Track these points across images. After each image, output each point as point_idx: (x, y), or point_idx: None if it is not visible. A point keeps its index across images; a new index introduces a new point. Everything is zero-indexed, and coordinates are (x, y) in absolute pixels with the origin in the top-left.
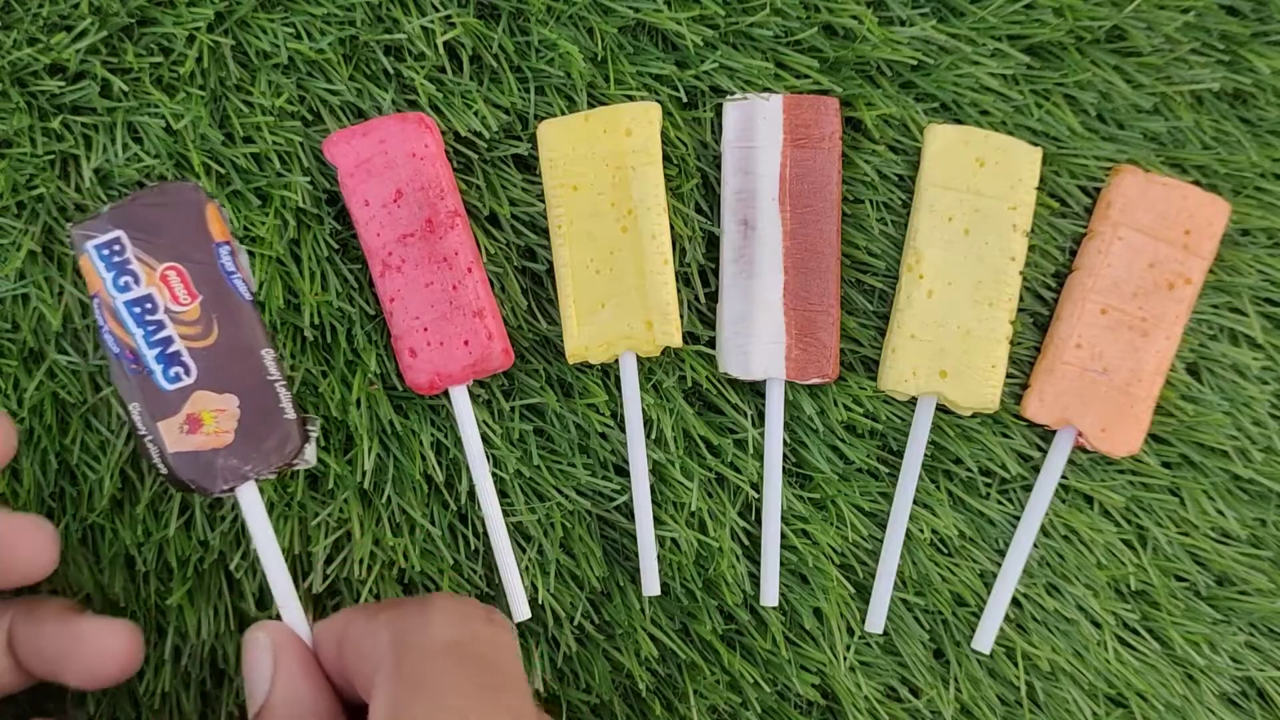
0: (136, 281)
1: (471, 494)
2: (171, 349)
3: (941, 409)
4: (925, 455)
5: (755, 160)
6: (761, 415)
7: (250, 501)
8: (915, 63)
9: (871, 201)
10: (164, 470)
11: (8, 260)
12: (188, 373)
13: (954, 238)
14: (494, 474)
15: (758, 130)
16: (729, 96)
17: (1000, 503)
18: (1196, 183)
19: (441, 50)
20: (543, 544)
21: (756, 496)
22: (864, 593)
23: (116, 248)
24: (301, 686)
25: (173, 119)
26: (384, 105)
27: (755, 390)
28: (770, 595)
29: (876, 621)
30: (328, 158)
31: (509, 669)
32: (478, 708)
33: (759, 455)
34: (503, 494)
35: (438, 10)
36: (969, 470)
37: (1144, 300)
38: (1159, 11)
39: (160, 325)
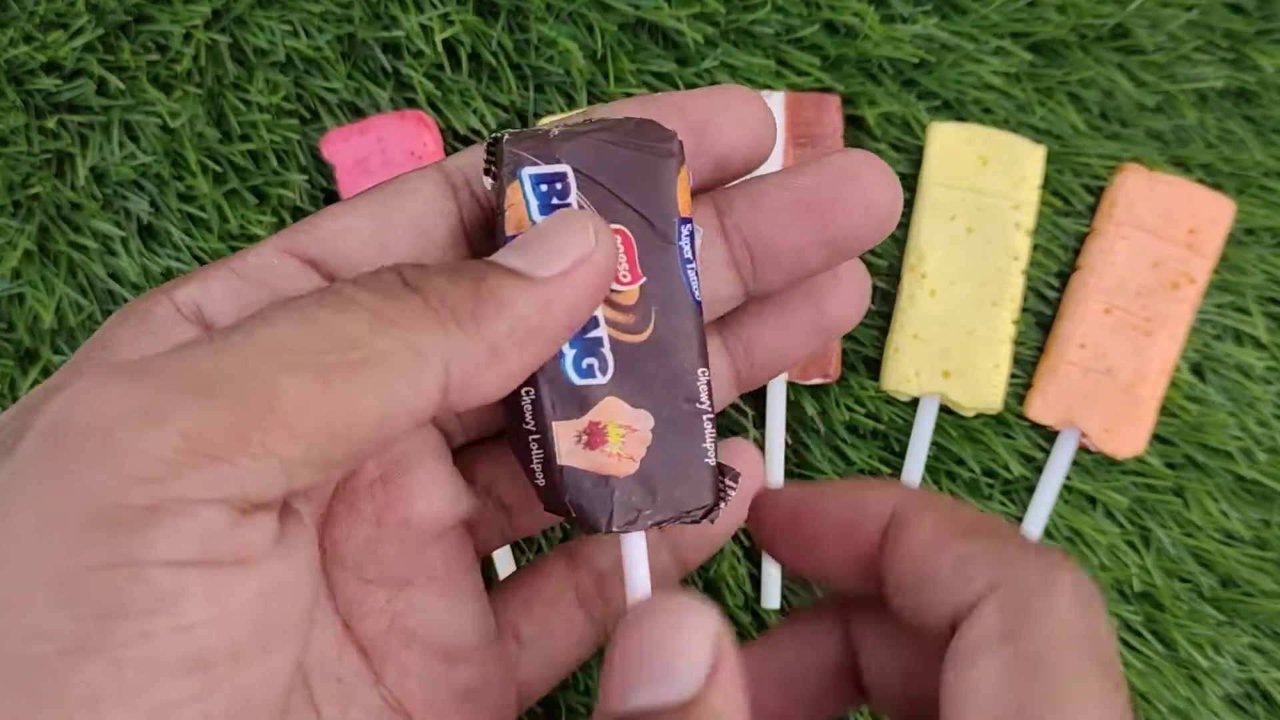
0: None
1: None
2: (592, 333)
3: (944, 409)
4: (928, 456)
5: None
6: (763, 416)
7: (636, 553)
8: (917, 60)
9: None
10: (542, 481)
11: (3, 259)
12: (603, 369)
13: (957, 237)
14: None
15: None
16: None
17: (1003, 504)
18: (1201, 181)
19: (440, 48)
20: (542, 545)
21: None
22: None
23: (559, 186)
24: (743, 701)
25: (169, 117)
26: (382, 103)
27: (756, 391)
28: (772, 598)
29: None
30: (325, 156)
31: (1118, 661)
32: (1109, 715)
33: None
34: None
35: (436, 8)
36: (972, 471)
37: (1148, 300)
38: (1163, 9)
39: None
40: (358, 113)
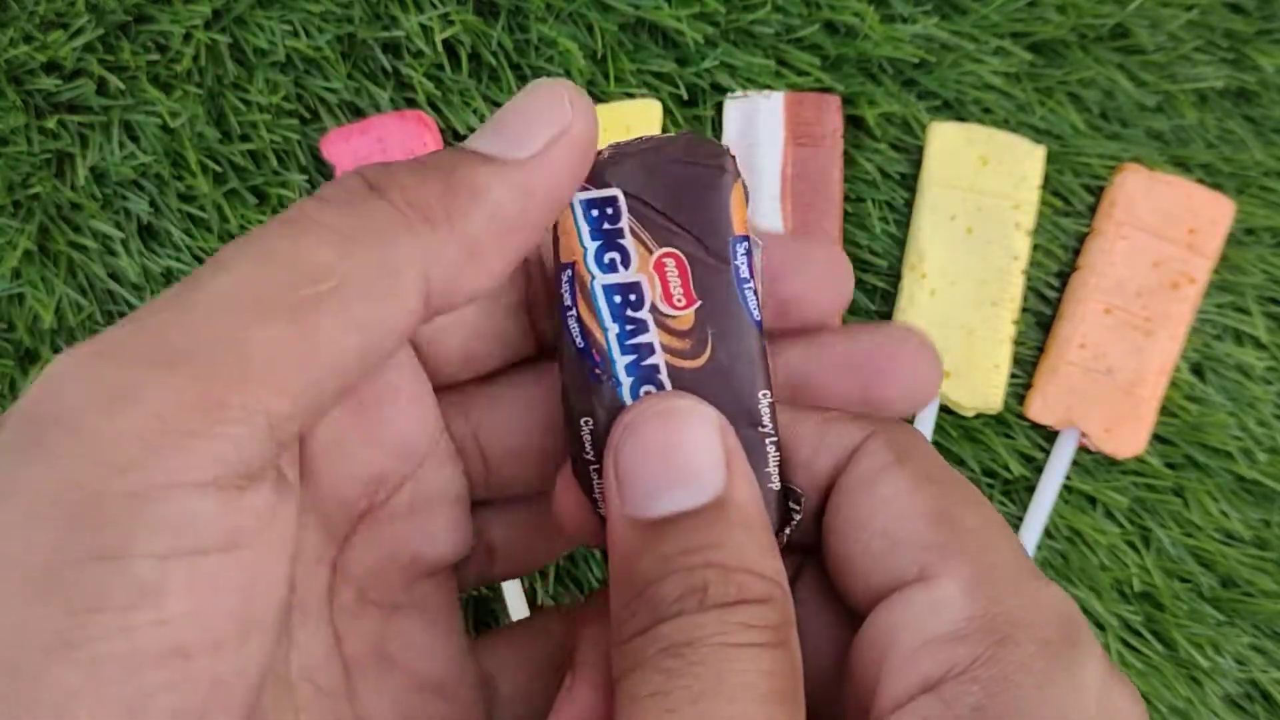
0: (625, 262)
1: None
2: (648, 360)
3: (944, 409)
4: None
5: (756, 158)
6: None
7: None
8: (918, 60)
9: (873, 200)
10: (604, 511)
11: (3, 259)
12: None
13: (957, 237)
14: None
15: (759, 128)
16: (730, 94)
17: (1003, 504)
18: (1201, 181)
19: (440, 48)
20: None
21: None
22: None
23: (609, 211)
24: (759, 494)
25: (169, 117)
26: (382, 103)
27: None
28: None
29: None
30: (325, 156)
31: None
32: (1004, 526)
33: None
34: None
35: (436, 7)
36: (971, 471)
37: (1148, 300)
38: (1163, 9)
39: (642, 326)
40: (358, 113)
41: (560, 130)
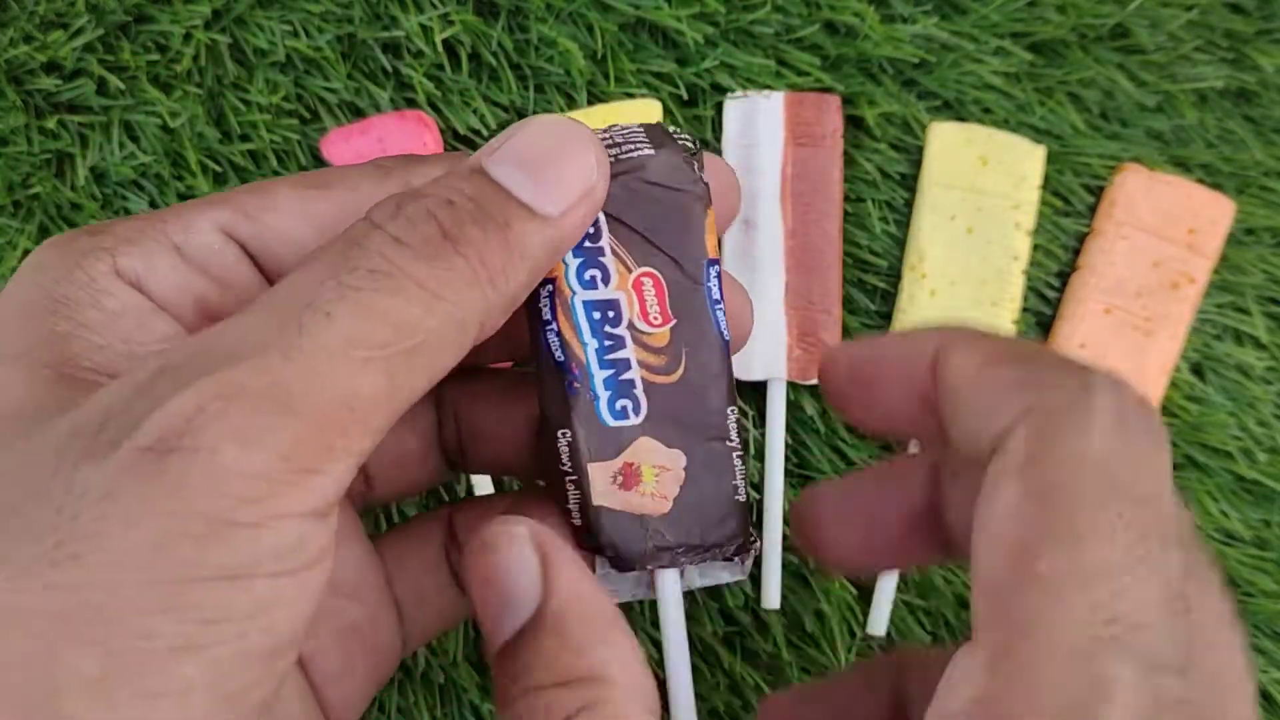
0: (605, 280)
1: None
2: (625, 375)
3: None
4: None
5: (756, 158)
6: (763, 416)
7: (670, 591)
8: (917, 60)
9: (873, 200)
10: (578, 522)
11: (3, 260)
12: (636, 410)
13: (957, 237)
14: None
15: (759, 128)
16: (730, 94)
17: None
18: (1201, 181)
19: (440, 48)
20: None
21: (757, 498)
22: (866, 595)
23: (591, 230)
24: (587, 587)
25: (169, 117)
26: (382, 103)
27: (756, 391)
28: (772, 598)
29: (879, 624)
30: (325, 156)
31: (1167, 496)
32: (1126, 557)
33: (760, 456)
34: None
35: (436, 7)
36: None
37: (1148, 300)
38: (1163, 9)
39: (620, 342)
40: (358, 113)
41: (587, 190)
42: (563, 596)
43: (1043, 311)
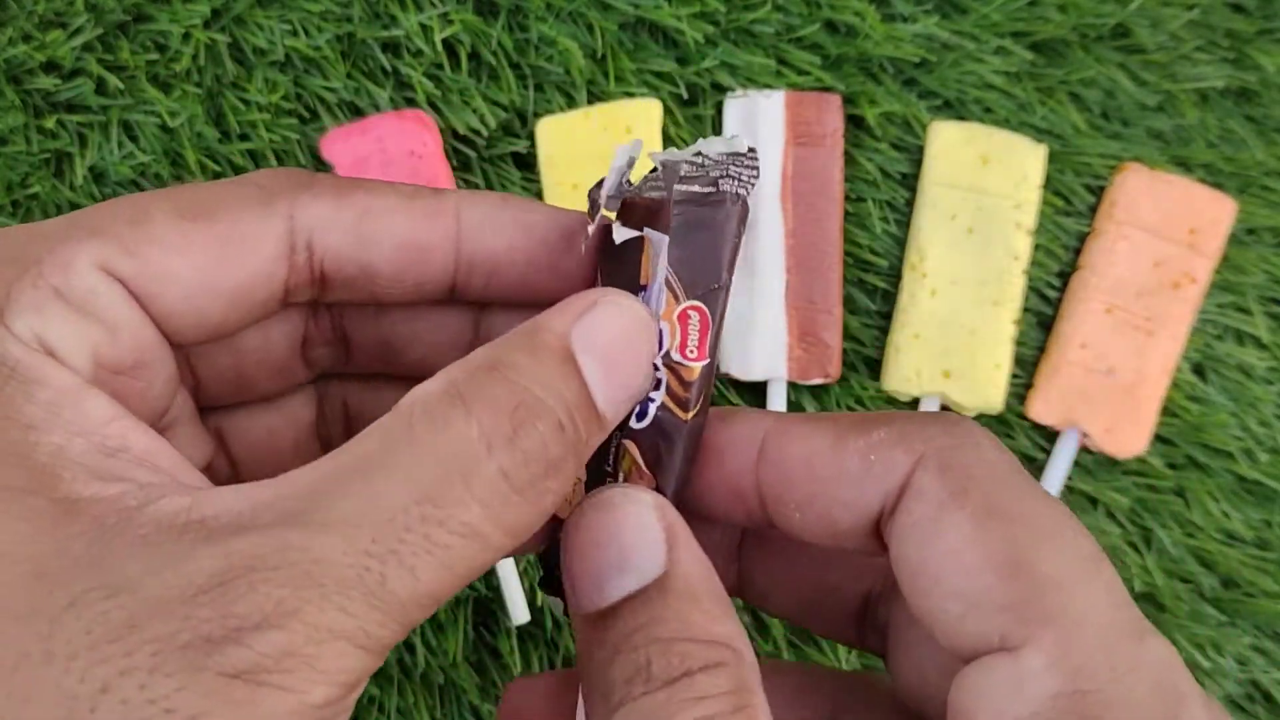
0: (658, 306)
1: None
2: (652, 401)
3: (945, 409)
4: None
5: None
6: None
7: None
8: (918, 60)
9: (874, 200)
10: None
11: None
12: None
13: (957, 236)
14: None
15: (759, 128)
16: (730, 94)
17: None
18: (1202, 181)
19: (440, 47)
20: None
21: None
22: None
23: (659, 259)
24: (708, 565)
25: (168, 116)
26: (381, 103)
27: (757, 391)
28: None
29: None
30: (325, 156)
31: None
32: (1077, 527)
33: None
34: None
35: (435, 7)
36: None
37: (1149, 300)
38: (1164, 9)
39: (655, 371)
40: (357, 112)
41: (639, 393)
42: (691, 568)
43: (1043, 311)
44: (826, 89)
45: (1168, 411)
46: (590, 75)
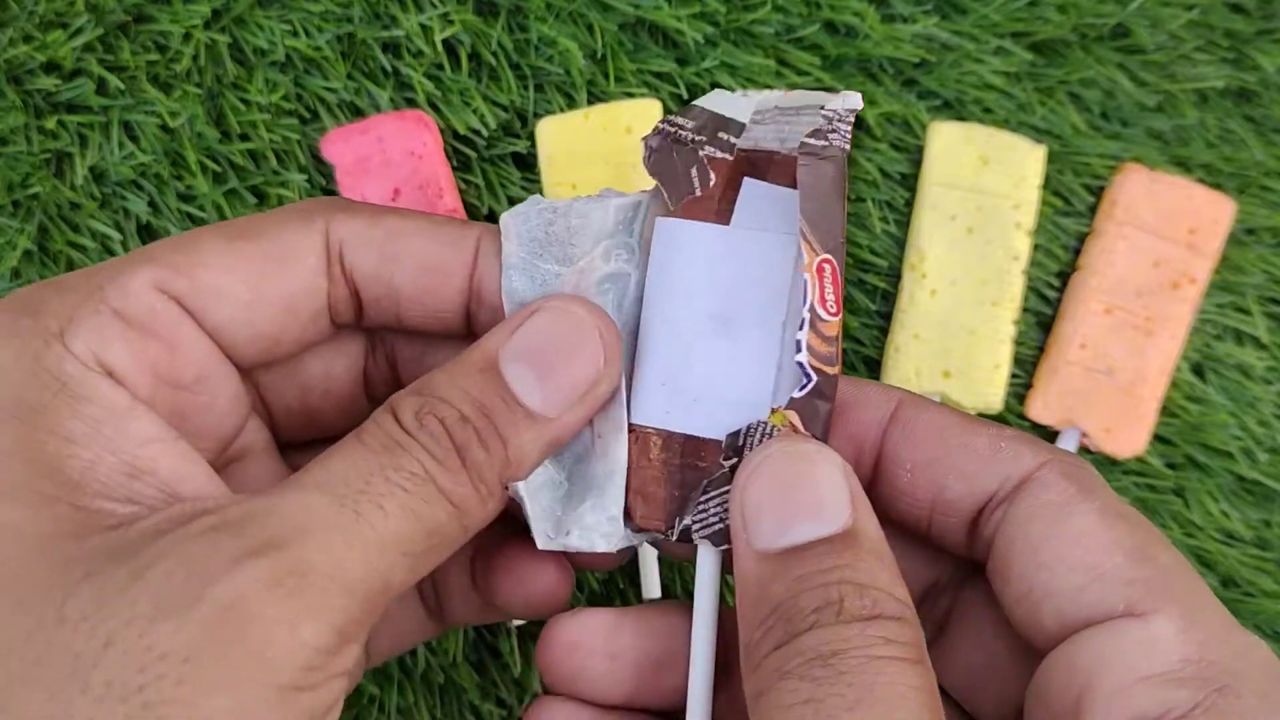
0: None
1: None
2: (797, 357)
3: None
4: None
5: None
6: None
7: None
8: (918, 60)
9: (874, 200)
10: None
11: (3, 259)
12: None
13: (957, 236)
14: None
15: None
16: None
17: None
18: (1201, 181)
19: (440, 47)
20: None
21: None
22: None
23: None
24: (879, 527)
25: (169, 117)
26: (382, 103)
27: None
28: None
29: None
30: (325, 156)
31: None
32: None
33: None
34: None
35: (436, 7)
36: None
37: (1148, 300)
38: (1163, 9)
39: (801, 323)
40: (357, 112)
41: (588, 391)
42: (874, 529)
43: (1043, 311)
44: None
45: (1167, 411)
46: (590, 75)
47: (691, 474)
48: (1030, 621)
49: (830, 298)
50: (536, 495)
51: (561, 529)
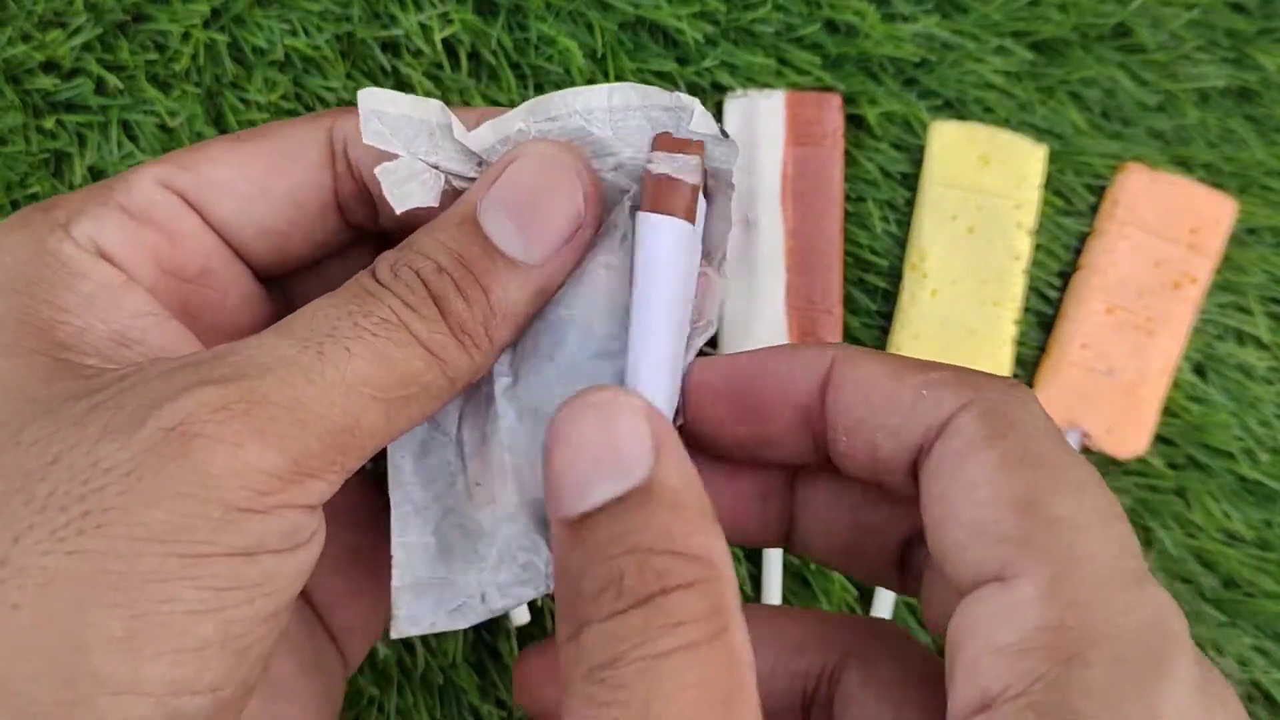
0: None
1: None
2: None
3: None
4: None
5: (757, 158)
6: None
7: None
8: (918, 59)
9: (874, 199)
10: None
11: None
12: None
13: (958, 236)
14: None
15: (759, 127)
16: (730, 93)
17: None
18: (1202, 181)
19: (439, 47)
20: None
21: None
22: (867, 596)
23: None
24: (694, 473)
25: (168, 116)
26: None
27: None
28: (773, 597)
29: None
30: None
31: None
32: (1106, 497)
33: None
34: None
35: (435, 6)
36: None
37: (1150, 300)
38: (1164, 8)
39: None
40: None
41: (572, 233)
42: (676, 477)
43: (1044, 311)
44: (826, 89)
45: (1168, 412)
46: (590, 75)
47: None
48: (946, 584)
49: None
50: (407, 569)
51: (460, 595)
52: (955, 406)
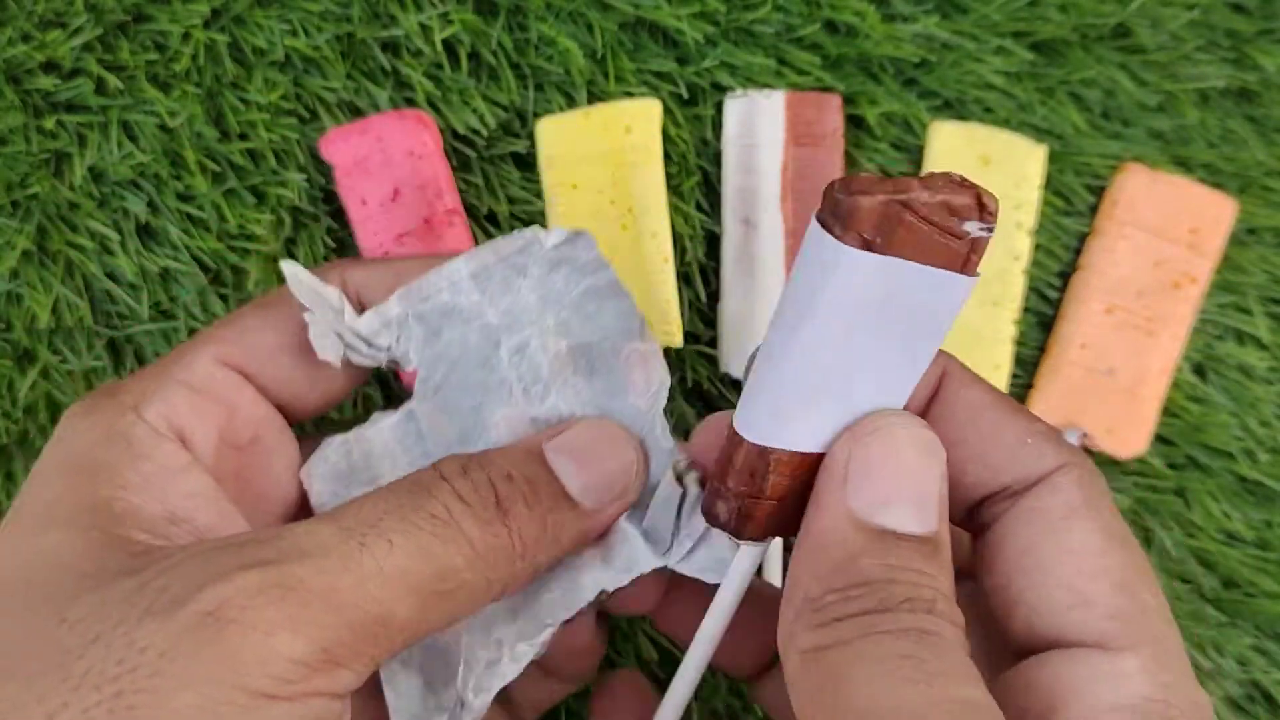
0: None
1: None
2: None
3: None
4: None
5: (757, 158)
6: None
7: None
8: (918, 60)
9: None
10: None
11: (2, 259)
12: None
13: None
14: None
15: (759, 127)
16: (730, 93)
17: None
18: (1202, 181)
19: (439, 47)
20: None
21: None
22: None
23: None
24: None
25: (168, 116)
26: (381, 102)
27: None
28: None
29: None
30: (324, 155)
31: None
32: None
33: None
34: None
35: (435, 6)
36: None
37: (1150, 300)
38: (1164, 9)
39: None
40: (357, 112)
41: (623, 490)
42: (947, 538)
43: (1044, 311)
44: (826, 89)
45: (1168, 412)
46: (590, 75)
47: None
48: (1003, 616)
49: None
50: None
51: (444, 709)
52: (1055, 464)
